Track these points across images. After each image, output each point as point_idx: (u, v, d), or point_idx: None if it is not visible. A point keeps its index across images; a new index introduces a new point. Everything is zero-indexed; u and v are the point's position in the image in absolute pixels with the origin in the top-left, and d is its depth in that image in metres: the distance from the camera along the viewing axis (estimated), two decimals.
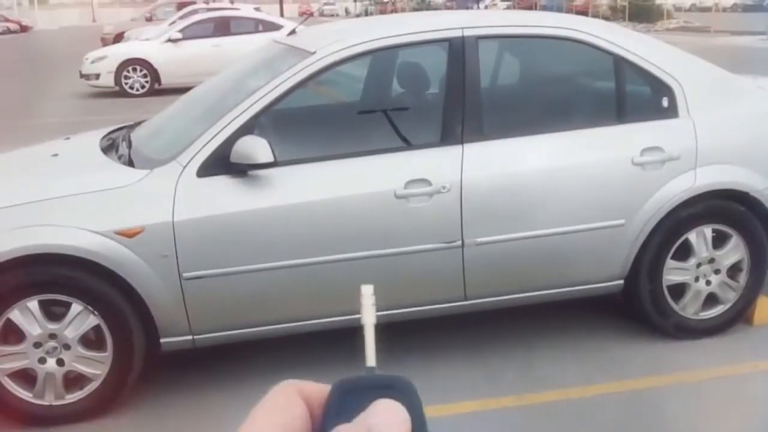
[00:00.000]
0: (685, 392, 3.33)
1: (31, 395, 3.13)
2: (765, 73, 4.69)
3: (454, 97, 3.48)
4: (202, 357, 3.54)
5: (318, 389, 0.41)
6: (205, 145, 3.20)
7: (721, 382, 3.41)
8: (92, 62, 14.02)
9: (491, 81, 4.06)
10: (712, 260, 3.71)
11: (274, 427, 0.39)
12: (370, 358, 0.42)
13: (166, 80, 13.70)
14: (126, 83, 13.83)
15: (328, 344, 3.41)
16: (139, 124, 4.22)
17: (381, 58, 4.01)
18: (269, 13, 17.50)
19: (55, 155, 3.74)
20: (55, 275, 3.07)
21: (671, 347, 3.71)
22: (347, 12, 60.62)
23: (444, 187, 3.31)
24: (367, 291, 0.44)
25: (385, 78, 4.34)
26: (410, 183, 3.30)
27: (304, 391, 0.41)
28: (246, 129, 3.22)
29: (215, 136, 3.21)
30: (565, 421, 3.15)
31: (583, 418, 3.16)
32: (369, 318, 0.43)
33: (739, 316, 3.84)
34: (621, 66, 3.63)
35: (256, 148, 3.13)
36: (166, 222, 3.08)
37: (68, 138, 4.24)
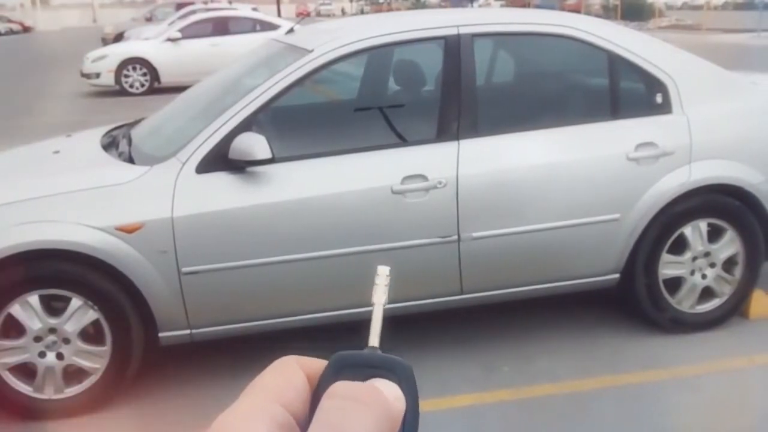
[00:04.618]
0: (681, 386, 3.35)
1: (31, 389, 3.16)
2: (757, 70, 4.72)
3: (450, 94, 3.50)
4: (200, 351, 3.56)
5: (317, 363, 0.42)
6: (203, 142, 3.23)
7: (717, 376, 3.43)
8: (93, 61, 14.07)
9: (487, 78, 4.08)
10: (707, 254, 3.74)
11: (275, 390, 0.40)
12: (374, 337, 0.42)
13: (166, 79, 13.75)
14: (126, 82, 13.88)
15: (329, 339, 3.44)
16: (138, 121, 4.25)
17: (377, 55, 4.04)
18: (267, 14, 17.51)
19: (57, 152, 3.77)
20: (55, 270, 3.10)
21: (667, 341, 3.73)
22: (344, 12, 60.72)
23: (440, 183, 3.34)
24: (383, 272, 0.44)
25: (382, 75, 4.36)
26: (407, 179, 3.32)
27: (303, 364, 0.42)
28: (244, 126, 3.25)
29: (214, 133, 3.24)
30: (561, 415, 3.17)
31: (579, 411, 3.18)
32: (379, 298, 0.43)
33: (735, 309, 3.86)
34: (615, 62, 3.66)
35: (254, 144, 3.16)
36: (166, 218, 3.11)
37: (69, 135, 4.27)
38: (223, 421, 0.38)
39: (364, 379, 0.40)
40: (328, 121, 4.22)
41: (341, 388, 0.39)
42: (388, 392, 0.39)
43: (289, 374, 0.41)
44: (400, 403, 0.40)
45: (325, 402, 0.38)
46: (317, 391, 0.40)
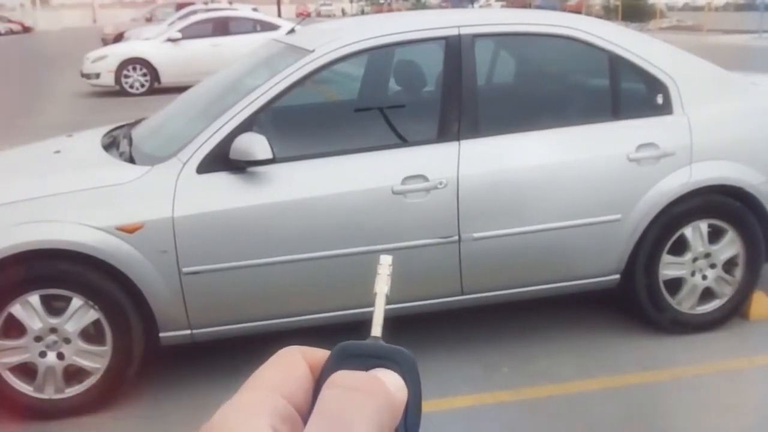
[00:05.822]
0: (681, 387, 3.35)
1: (31, 389, 3.16)
2: (758, 70, 4.72)
3: (451, 95, 3.51)
4: (200, 351, 3.56)
5: (320, 353, 0.42)
6: (204, 142, 3.23)
7: (717, 376, 3.44)
8: (93, 62, 14.09)
9: (487, 78, 4.09)
10: (707, 255, 3.74)
11: (277, 381, 0.40)
12: (377, 327, 0.42)
13: (166, 79, 13.77)
14: (126, 82, 13.90)
15: (328, 339, 3.43)
16: (139, 121, 4.26)
17: (378, 56, 4.05)
18: (267, 14, 17.54)
19: (58, 152, 3.77)
20: (56, 270, 3.10)
21: (667, 342, 3.73)
22: (344, 12, 60.85)
23: (441, 183, 3.34)
24: (385, 261, 0.44)
25: (383, 76, 4.37)
26: (407, 179, 3.32)
27: (306, 354, 0.42)
28: (245, 126, 3.25)
29: (215, 133, 3.24)
30: (561, 416, 3.17)
31: (579, 412, 3.18)
32: (381, 287, 0.43)
33: (735, 310, 3.87)
34: (616, 63, 3.66)
35: (254, 145, 3.16)
36: (166, 218, 3.11)
37: (70, 135, 4.27)
38: (224, 414, 0.37)
39: (367, 369, 0.40)
40: (329, 121, 4.22)
41: (342, 377, 0.38)
42: (389, 382, 0.39)
43: (291, 365, 0.41)
44: (402, 393, 0.39)
45: (326, 392, 0.38)
46: (320, 381, 0.39)
